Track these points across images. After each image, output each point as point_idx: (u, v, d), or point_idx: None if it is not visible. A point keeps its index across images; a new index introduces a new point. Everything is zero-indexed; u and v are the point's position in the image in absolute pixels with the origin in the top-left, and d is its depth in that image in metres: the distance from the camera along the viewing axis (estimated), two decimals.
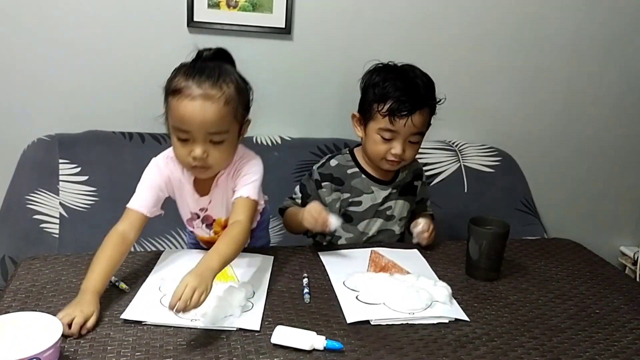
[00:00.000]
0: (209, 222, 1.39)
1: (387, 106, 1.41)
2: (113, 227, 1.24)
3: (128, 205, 1.28)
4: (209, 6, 1.94)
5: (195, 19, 1.94)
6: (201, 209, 1.37)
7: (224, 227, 1.37)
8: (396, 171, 1.56)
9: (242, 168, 1.31)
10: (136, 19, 1.93)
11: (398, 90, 1.41)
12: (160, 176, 1.32)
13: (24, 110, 1.95)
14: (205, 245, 1.47)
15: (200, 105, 1.17)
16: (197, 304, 0.99)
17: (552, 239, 1.78)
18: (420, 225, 1.48)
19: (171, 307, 0.98)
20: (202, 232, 1.42)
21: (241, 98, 1.24)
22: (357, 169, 1.53)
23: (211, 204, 1.36)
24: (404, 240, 1.62)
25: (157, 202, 1.31)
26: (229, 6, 1.96)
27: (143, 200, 1.28)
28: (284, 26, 2.02)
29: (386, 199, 1.54)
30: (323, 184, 1.52)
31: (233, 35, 2.00)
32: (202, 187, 1.34)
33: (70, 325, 1.00)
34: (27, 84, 1.93)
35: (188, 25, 1.94)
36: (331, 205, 1.52)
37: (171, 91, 1.20)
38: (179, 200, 1.38)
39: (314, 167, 1.56)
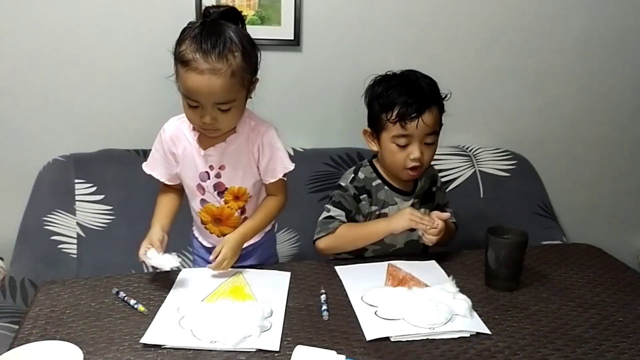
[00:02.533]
0: (220, 190, 1.41)
1: (395, 112, 1.41)
2: None
3: (143, 168, 1.44)
4: None
5: None
6: (210, 167, 1.38)
7: (236, 197, 1.41)
8: (415, 180, 1.54)
9: (262, 138, 1.38)
10: (147, 38, 1.94)
11: (403, 95, 1.41)
12: (164, 139, 1.40)
13: (39, 132, 1.96)
14: (208, 240, 1.50)
15: (207, 79, 1.20)
16: (225, 269, 1.32)
17: (571, 244, 1.76)
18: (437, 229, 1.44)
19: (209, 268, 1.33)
20: (212, 199, 1.42)
21: (248, 65, 1.26)
22: (380, 181, 1.52)
23: (225, 171, 1.38)
24: (427, 250, 1.61)
25: (165, 166, 1.42)
26: None
27: (150, 164, 1.43)
28: (292, 38, 2.02)
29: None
30: (361, 197, 1.50)
31: None
32: (207, 142, 1.37)
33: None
34: (41, 106, 1.94)
35: None
36: (371, 217, 1.52)
37: (179, 60, 1.22)
38: (185, 164, 1.40)
39: (346, 183, 1.51)
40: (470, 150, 2.21)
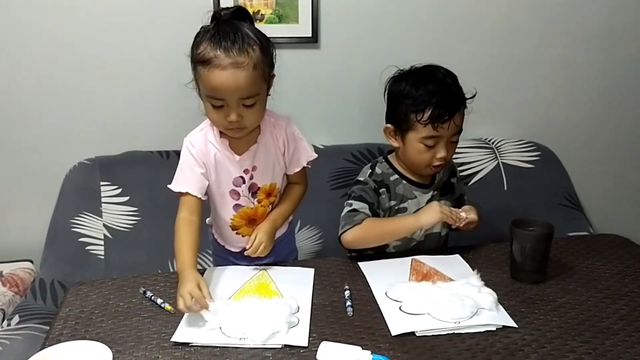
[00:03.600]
0: (254, 190, 1.41)
1: (427, 114, 1.38)
2: (176, 218, 1.34)
3: (173, 189, 1.35)
4: None
5: None
6: (245, 171, 1.38)
7: (268, 194, 1.42)
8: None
9: (286, 131, 1.39)
10: (167, 42, 1.95)
11: (434, 96, 1.38)
12: (194, 153, 1.35)
13: (64, 136, 2.00)
14: (237, 245, 1.48)
15: (232, 74, 1.19)
16: (263, 254, 1.35)
17: (598, 235, 1.73)
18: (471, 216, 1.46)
19: (247, 254, 1.36)
20: (247, 202, 1.42)
21: (266, 58, 1.26)
22: (397, 176, 1.51)
23: (257, 171, 1.39)
24: (448, 242, 1.60)
25: (199, 180, 1.35)
26: (255, 20, 1.96)
27: (184, 182, 1.35)
28: (310, 35, 2.02)
29: (429, 202, 1.51)
30: (380, 190, 1.49)
31: None
32: (239, 147, 1.36)
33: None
34: (66, 111, 1.98)
35: None
36: (390, 212, 1.51)
37: (200, 61, 1.22)
38: (217, 174, 1.38)
39: (365, 177, 1.50)
40: (492, 143, 2.19)
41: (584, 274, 1.37)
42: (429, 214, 1.42)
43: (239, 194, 1.40)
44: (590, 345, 1.08)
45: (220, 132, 1.35)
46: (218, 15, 1.27)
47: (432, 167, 1.45)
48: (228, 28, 1.23)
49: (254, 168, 1.38)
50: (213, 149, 1.36)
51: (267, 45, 1.27)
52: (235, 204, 1.42)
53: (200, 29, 1.27)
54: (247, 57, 1.21)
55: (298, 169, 1.44)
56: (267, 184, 1.41)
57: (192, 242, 1.29)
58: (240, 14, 1.28)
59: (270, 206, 1.45)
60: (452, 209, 1.45)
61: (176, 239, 1.30)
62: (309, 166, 1.46)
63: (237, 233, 1.47)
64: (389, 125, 1.49)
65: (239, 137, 1.33)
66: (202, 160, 1.36)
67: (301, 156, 1.43)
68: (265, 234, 1.36)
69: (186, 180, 1.35)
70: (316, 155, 1.45)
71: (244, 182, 1.39)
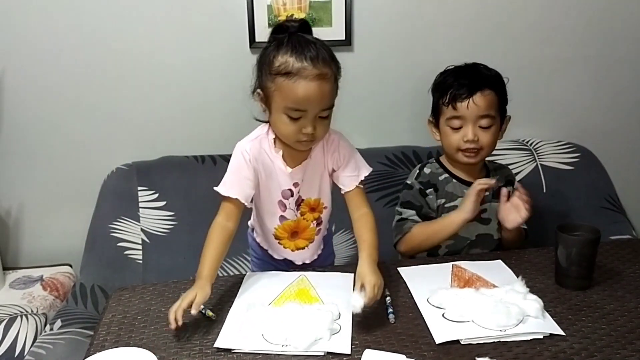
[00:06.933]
0: (298, 203, 1.40)
1: (448, 95, 1.45)
2: (213, 221, 1.32)
3: (221, 192, 1.31)
4: (269, 26, 1.94)
5: (257, 39, 1.96)
6: (295, 184, 1.36)
7: (312, 208, 1.40)
8: (486, 175, 1.56)
9: (339, 147, 1.36)
10: (201, 45, 1.97)
11: (458, 79, 1.45)
12: (248, 160, 1.32)
13: (102, 142, 2.03)
14: (279, 254, 1.47)
15: (318, 85, 1.19)
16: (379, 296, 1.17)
17: None
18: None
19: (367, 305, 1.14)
20: (292, 214, 1.41)
21: (339, 70, 1.26)
22: (447, 175, 1.54)
23: (303, 183, 1.37)
24: (501, 248, 1.59)
25: (248, 187, 1.32)
26: None
27: (233, 187, 1.31)
28: (344, 38, 2.01)
29: (481, 203, 1.50)
30: (427, 191, 1.52)
31: None
32: (292, 159, 1.34)
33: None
34: (103, 118, 2.01)
35: (250, 47, 1.97)
36: (440, 210, 1.54)
37: (283, 73, 1.19)
38: (267, 183, 1.36)
39: (411, 180, 1.56)
40: (530, 144, 2.14)
41: (632, 279, 1.33)
42: (465, 199, 1.45)
43: (285, 206, 1.39)
44: None
45: (275, 143, 1.33)
46: (284, 27, 1.24)
47: (463, 152, 1.47)
48: (304, 40, 1.21)
49: (302, 181, 1.37)
50: (267, 160, 1.34)
51: (335, 58, 1.26)
52: (281, 215, 1.40)
53: (269, 41, 1.25)
54: (330, 69, 1.21)
55: (356, 183, 1.36)
56: (311, 198, 1.39)
57: (218, 252, 1.28)
58: (305, 27, 1.26)
59: (314, 222, 1.43)
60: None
61: (206, 242, 1.29)
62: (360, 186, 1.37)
63: (279, 243, 1.46)
64: (430, 117, 1.57)
65: (305, 149, 1.32)
66: (255, 168, 1.33)
67: (360, 169, 1.38)
68: (372, 276, 1.18)
69: (235, 185, 1.32)
70: (371, 169, 1.40)
71: (292, 195, 1.37)
